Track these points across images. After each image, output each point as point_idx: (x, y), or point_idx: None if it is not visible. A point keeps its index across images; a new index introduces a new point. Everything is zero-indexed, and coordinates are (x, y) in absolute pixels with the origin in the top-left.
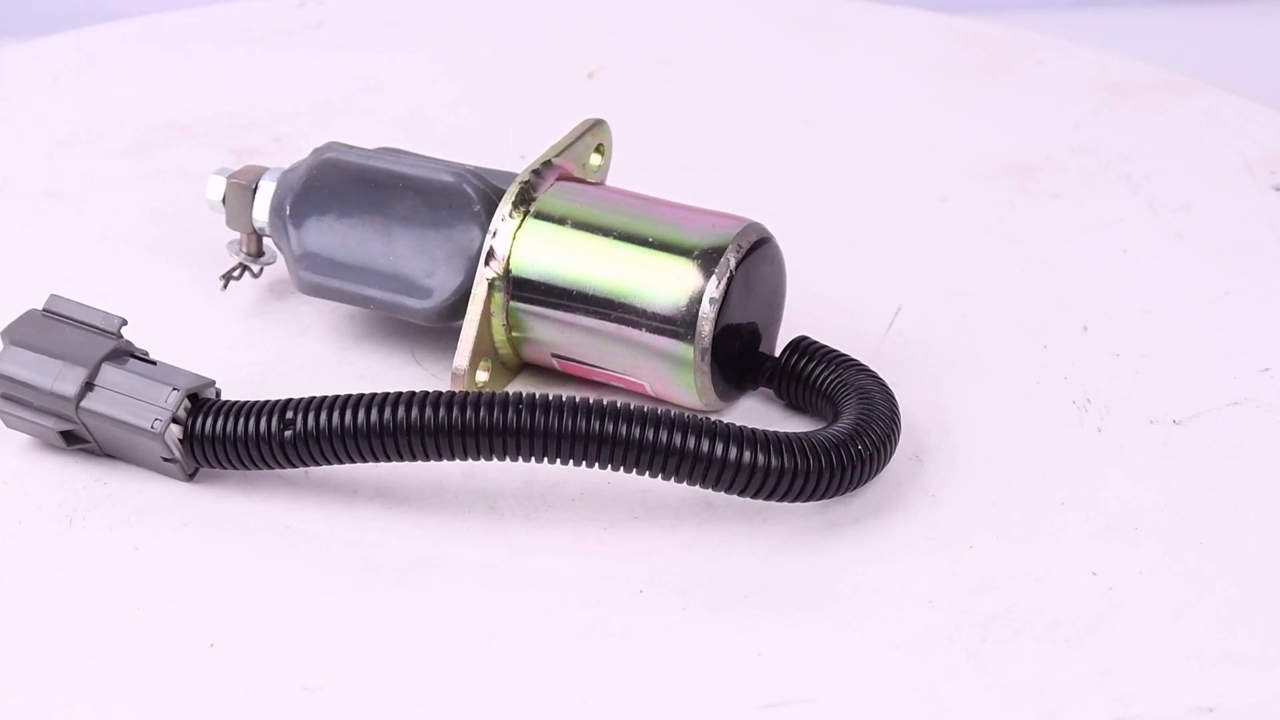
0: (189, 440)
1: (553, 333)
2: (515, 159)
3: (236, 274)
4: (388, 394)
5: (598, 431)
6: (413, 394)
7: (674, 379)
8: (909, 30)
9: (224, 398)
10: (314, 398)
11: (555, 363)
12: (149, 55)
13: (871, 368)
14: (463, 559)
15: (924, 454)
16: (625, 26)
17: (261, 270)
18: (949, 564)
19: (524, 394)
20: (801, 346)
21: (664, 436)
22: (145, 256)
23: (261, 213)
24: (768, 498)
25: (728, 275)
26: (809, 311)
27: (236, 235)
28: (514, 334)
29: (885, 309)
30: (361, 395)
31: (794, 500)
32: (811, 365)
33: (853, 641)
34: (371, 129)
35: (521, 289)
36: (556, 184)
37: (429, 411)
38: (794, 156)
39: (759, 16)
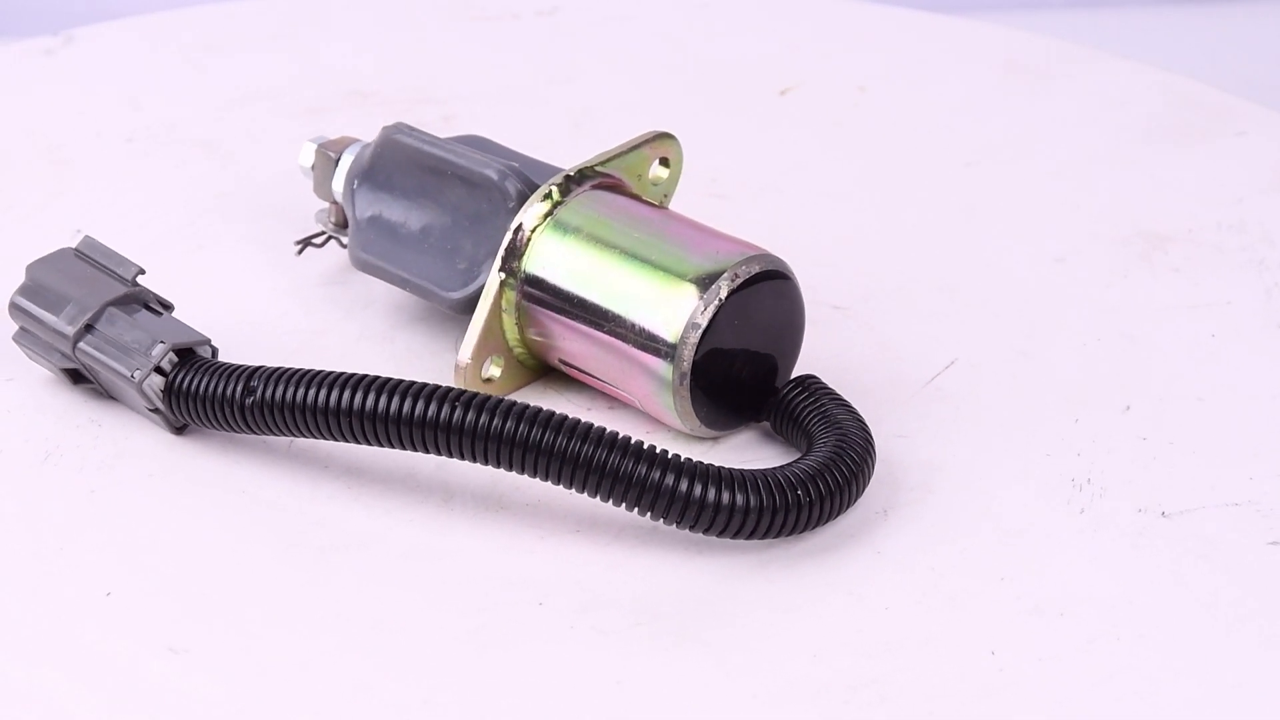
0: (169, 394)
1: (557, 337)
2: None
3: (318, 241)
4: (351, 375)
5: (523, 438)
6: (372, 379)
7: (658, 399)
8: (1122, 83)
9: (220, 358)
10: (284, 369)
11: (563, 368)
12: (361, 23)
13: (860, 414)
14: (390, 545)
15: (894, 509)
16: (834, 47)
17: (328, 240)
18: (858, 621)
19: (477, 395)
20: (798, 383)
21: (591, 452)
22: (260, 215)
23: (339, 184)
24: (693, 527)
25: (716, 302)
26: (862, 353)
27: (326, 204)
28: (527, 334)
29: (941, 359)
30: (328, 374)
31: (726, 535)
32: (800, 403)
33: (714, 685)
34: (538, 121)
35: (533, 288)
36: (590, 191)
37: (372, 396)
38: (938, 197)
39: (980, 53)
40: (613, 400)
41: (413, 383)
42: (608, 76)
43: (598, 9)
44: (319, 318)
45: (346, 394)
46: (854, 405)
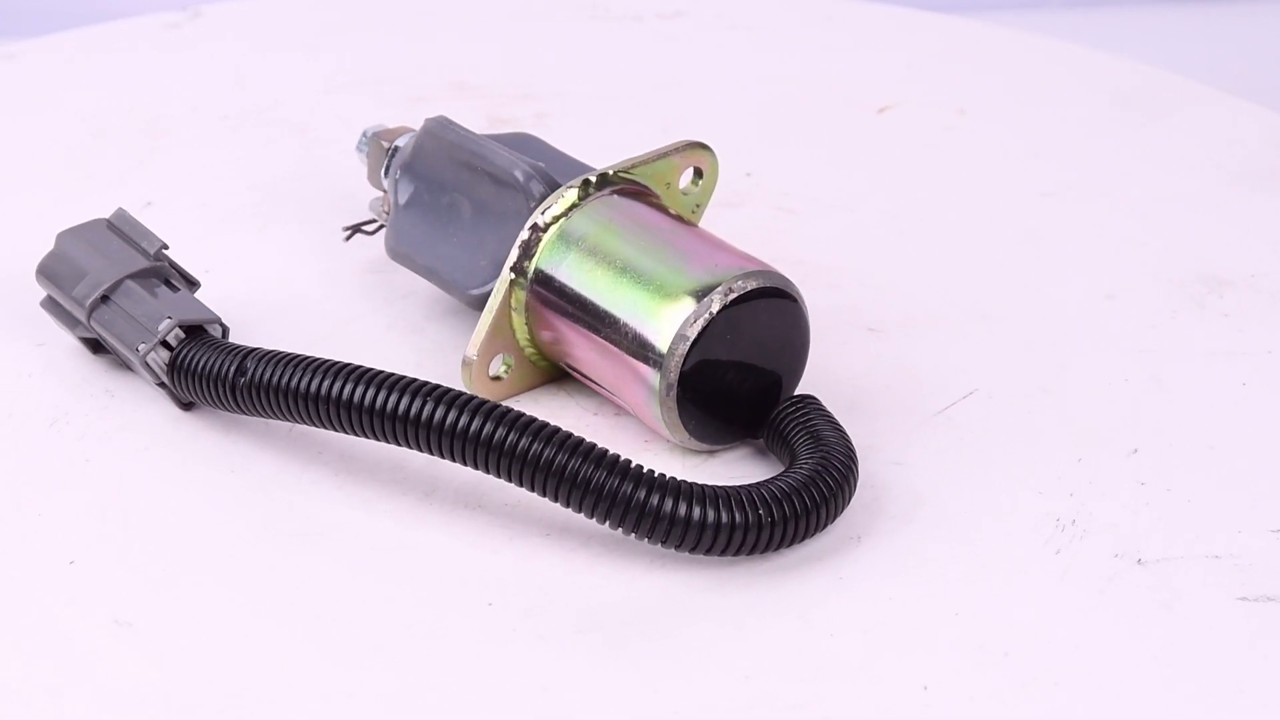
0: (172, 369)
1: (562, 339)
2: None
3: (369, 229)
4: (340, 364)
5: (486, 436)
6: (360, 370)
7: (648, 408)
8: (1232, 121)
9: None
10: (279, 352)
11: (570, 370)
12: (482, 16)
13: (849, 438)
14: (360, 534)
15: (868, 536)
16: (944, 67)
17: (379, 229)
18: (800, 645)
19: (450, 391)
20: (794, 402)
21: (551, 456)
22: (330, 200)
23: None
24: (649, 538)
25: (707, 315)
26: (884, 377)
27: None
28: (537, 335)
29: (961, 389)
30: (318, 361)
31: (685, 549)
32: (790, 422)
33: (638, 697)
34: (626, 125)
35: (541, 289)
36: (608, 196)
37: (349, 385)
38: (1006, 225)
39: (1090, 81)
40: (619, 407)
41: (398, 376)
42: (709, 84)
43: (723, 16)
44: (357, 305)
45: (327, 381)
46: (845, 429)
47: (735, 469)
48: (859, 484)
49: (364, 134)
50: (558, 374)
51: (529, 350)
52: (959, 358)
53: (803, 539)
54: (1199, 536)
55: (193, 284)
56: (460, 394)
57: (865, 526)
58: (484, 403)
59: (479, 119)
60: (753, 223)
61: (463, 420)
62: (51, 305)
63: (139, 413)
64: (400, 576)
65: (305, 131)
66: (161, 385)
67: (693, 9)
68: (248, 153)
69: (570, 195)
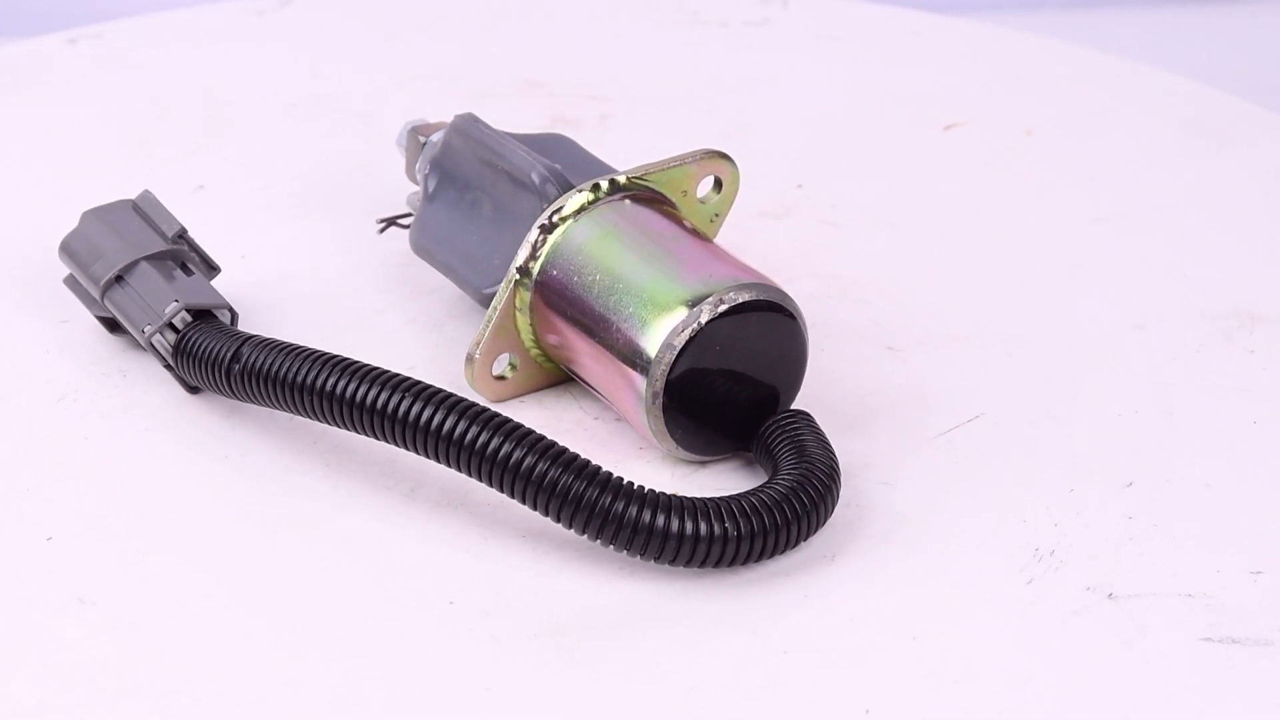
0: (176, 352)
1: (563, 342)
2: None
3: (405, 222)
4: (330, 356)
5: (447, 431)
6: (348, 363)
7: (637, 416)
8: None
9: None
10: (275, 341)
11: (571, 374)
12: (565, 17)
13: (834, 455)
14: (338, 526)
15: (842, 555)
16: (1017, 86)
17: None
18: (751, 661)
19: (428, 387)
20: (785, 416)
21: (516, 454)
22: (378, 192)
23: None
24: (610, 543)
25: (695, 325)
26: (893, 396)
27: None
28: (542, 337)
29: (968, 412)
30: (310, 351)
31: (649, 558)
32: (777, 437)
33: (577, 706)
34: (688, 130)
35: (543, 290)
36: (618, 201)
37: (333, 376)
38: (1050, 249)
39: (1161, 107)
40: (618, 413)
41: (379, 370)
42: (779, 93)
43: (810, 26)
44: (381, 298)
45: (306, 370)
46: (832, 445)
47: (726, 480)
48: (843, 502)
49: (404, 127)
50: (564, 377)
51: (534, 352)
52: (972, 380)
53: (774, 554)
54: (1176, 574)
55: (212, 269)
56: (434, 391)
57: (841, 545)
58: (449, 397)
59: (543, 118)
60: (793, 235)
61: (426, 414)
62: (72, 283)
63: (147, 394)
64: (370, 569)
65: (368, 123)
66: (168, 368)
67: (781, 17)
68: (307, 142)
69: (578, 199)
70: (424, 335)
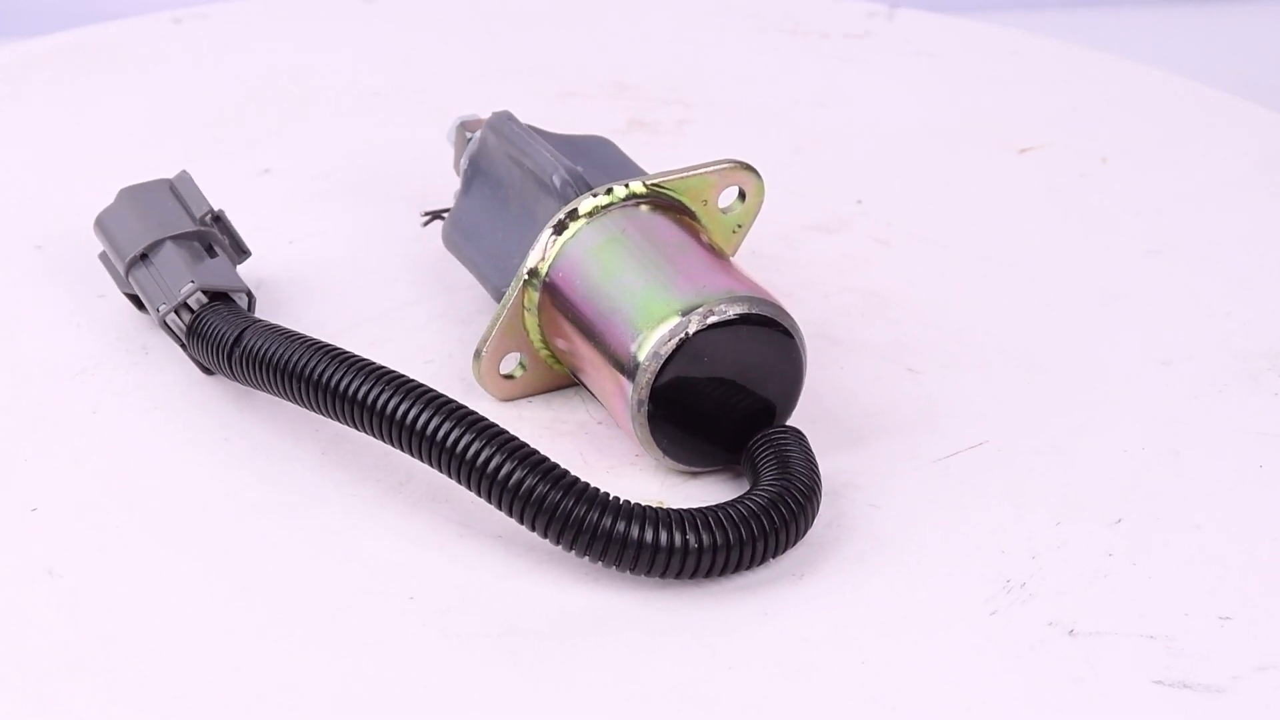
0: (189, 333)
1: (568, 344)
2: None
3: (446, 215)
4: (325, 346)
5: (416, 423)
6: (342, 354)
7: (625, 422)
8: None
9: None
10: (278, 327)
11: (574, 376)
12: (666, 21)
13: (817, 473)
14: (318, 515)
15: (811, 574)
16: (1100, 112)
17: None
18: (696, 676)
19: (409, 381)
20: (774, 432)
21: (471, 450)
22: (433, 185)
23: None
24: (570, 548)
25: (682, 335)
26: (900, 418)
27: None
28: (550, 338)
29: (973, 438)
30: (306, 339)
31: (614, 565)
32: (763, 452)
33: (506, 708)
34: (759, 141)
35: (550, 292)
36: (631, 207)
37: (324, 364)
38: (1095, 280)
39: (1241, 138)
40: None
41: (366, 362)
42: (859, 107)
43: (910, 41)
44: (414, 290)
45: (295, 355)
46: (817, 463)
47: (716, 491)
48: (825, 521)
49: (454, 121)
50: (574, 379)
51: (544, 352)
52: (985, 406)
53: (742, 568)
54: (1143, 614)
55: (242, 252)
56: (413, 384)
57: (812, 564)
58: (426, 391)
59: (620, 120)
60: (841, 250)
61: (393, 403)
62: (105, 259)
63: (163, 373)
64: (341, 558)
65: (443, 117)
66: (183, 348)
67: (883, 31)
68: (380, 132)
69: (591, 202)
70: (449, 330)
